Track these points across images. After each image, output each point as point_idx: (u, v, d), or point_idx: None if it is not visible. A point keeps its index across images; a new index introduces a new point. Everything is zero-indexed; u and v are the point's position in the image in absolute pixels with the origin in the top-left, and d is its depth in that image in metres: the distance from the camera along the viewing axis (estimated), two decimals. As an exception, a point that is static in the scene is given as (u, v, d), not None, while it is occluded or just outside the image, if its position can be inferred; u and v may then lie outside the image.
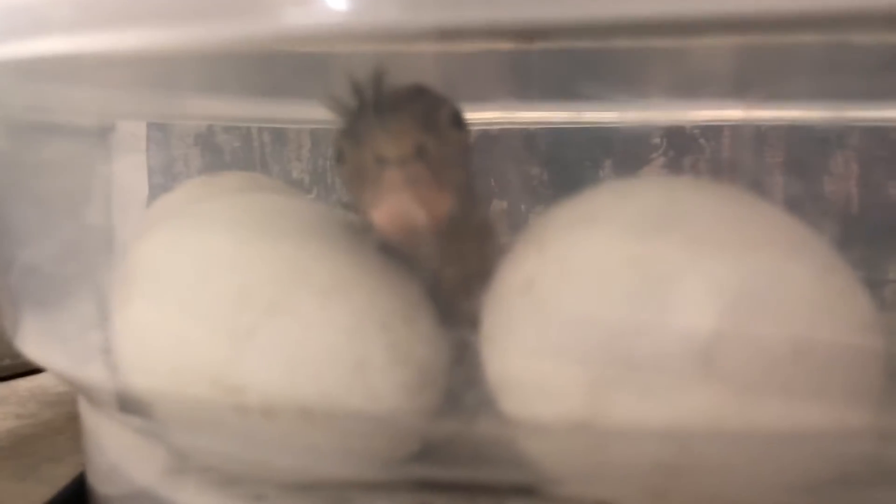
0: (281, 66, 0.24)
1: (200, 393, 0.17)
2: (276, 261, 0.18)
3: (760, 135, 0.36)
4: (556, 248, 0.16)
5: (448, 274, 0.18)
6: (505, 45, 0.17)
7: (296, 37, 0.15)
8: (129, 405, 0.20)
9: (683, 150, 0.38)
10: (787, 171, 0.36)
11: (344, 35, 0.15)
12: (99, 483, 0.22)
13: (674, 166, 0.38)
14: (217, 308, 0.18)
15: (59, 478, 0.26)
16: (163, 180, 0.39)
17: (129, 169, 0.34)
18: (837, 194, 0.35)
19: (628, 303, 0.15)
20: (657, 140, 0.38)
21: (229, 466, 0.19)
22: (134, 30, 0.14)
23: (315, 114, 0.36)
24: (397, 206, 0.16)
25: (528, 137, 0.37)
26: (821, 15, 0.12)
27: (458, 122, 0.18)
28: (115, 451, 0.21)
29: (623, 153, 0.38)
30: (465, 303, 0.17)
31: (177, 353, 0.18)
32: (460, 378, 0.17)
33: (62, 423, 0.31)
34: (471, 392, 0.17)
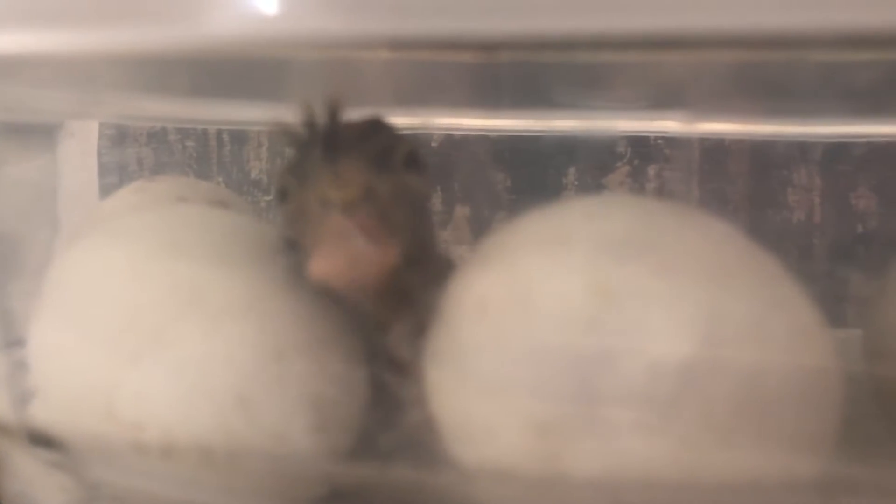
0: (226, 69, 0.23)
1: (96, 426, 0.16)
2: (169, 282, 0.17)
3: (723, 147, 0.35)
4: (515, 269, 0.15)
5: (387, 317, 0.17)
6: (465, 57, 0.16)
7: (222, 44, 0.15)
8: (37, 438, 0.18)
9: (648, 160, 0.37)
10: (749, 184, 0.36)
11: (274, 44, 0.14)
12: (9, 508, 0.21)
13: (638, 175, 0.37)
14: (108, 332, 0.17)
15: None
16: (117, 180, 0.38)
17: (77, 170, 0.33)
18: (799, 207, 0.35)
19: (591, 333, 0.14)
20: (621, 149, 0.38)
21: (139, 501, 0.18)
22: (63, 31, 0.13)
23: (265, 115, 0.35)
24: (335, 256, 0.15)
25: (491, 143, 0.36)
26: (775, 36, 0.12)
27: (416, 164, 0.17)
28: (24, 477, 0.20)
29: (587, 161, 0.37)
30: (399, 339, 0.16)
31: (71, 380, 0.17)
32: (381, 418, 0.16)
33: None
34: (391, 434, 0.16)
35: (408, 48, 0.14)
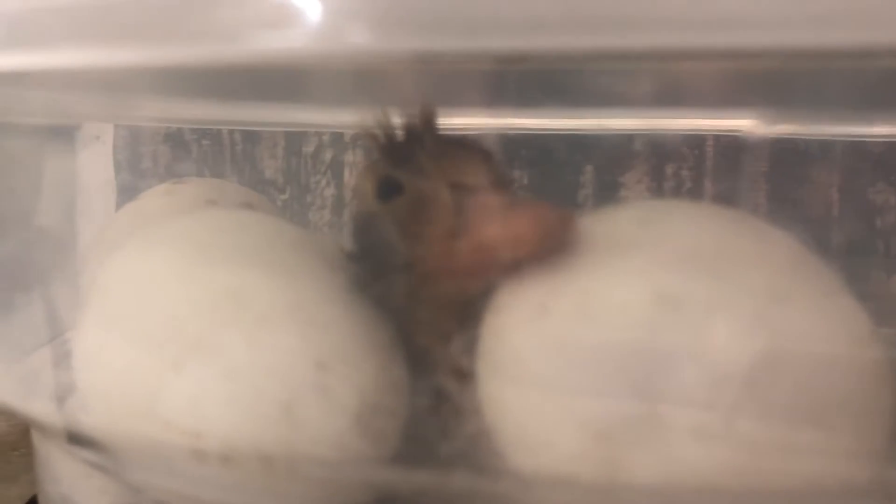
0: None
1: (139, 429, 0.16)
2: (211, 289, 0.17)
3: (742, 145, 0.35)
4: (575, 275, 0.15)
5: (448, 324, 0.17)
6: (485, 66, 0.16)
7: (268, 61, 0.15)
8: (79, 439, 0.18)
9: (665, 158, 0.37)
10: (768, 182, 0.35)
11: (315, 59, 0.14)
12: (50, 511, 0.21)
13: (655, 173, 0.37)
14: (151, 338, 0.16)
15: (13, 499, 0.25)
16: (131, 179, 0.38)
17: (94, 170, 0.33)
18: (819, 205, 0.35)
19: (652, 340, 0.14)
20: (639, 147, 0.38)
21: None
22: (110, 48, 0.13)
23: (289, 117, 0.35)
24: (529, 215, 0.15)
25: (509, 142, 0.36)
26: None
27: (503, 167, 0.17)
28: (67, 480, 0.20)
29: (605, 159, 0.38)
30: (459, 347, 0.16)
31: (123, 387, 0.17)
32: (434, 426, 0.16)
33: (17, 438, 0.30)
34: (446, 442, 0.16)
35: (434, 62, 0.15)
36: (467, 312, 0.16)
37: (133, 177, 0.38)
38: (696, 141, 0.36)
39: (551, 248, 0.15)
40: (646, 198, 0.36)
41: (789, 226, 0.16)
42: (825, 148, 0.33)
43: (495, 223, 0.15)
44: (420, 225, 0.16)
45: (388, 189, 0.17)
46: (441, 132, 0.17)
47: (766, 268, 0.14)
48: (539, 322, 0.14)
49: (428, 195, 0.16)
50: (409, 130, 0.17)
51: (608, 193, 0.37)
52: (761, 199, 0.35)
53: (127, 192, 0.33)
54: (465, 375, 0.15)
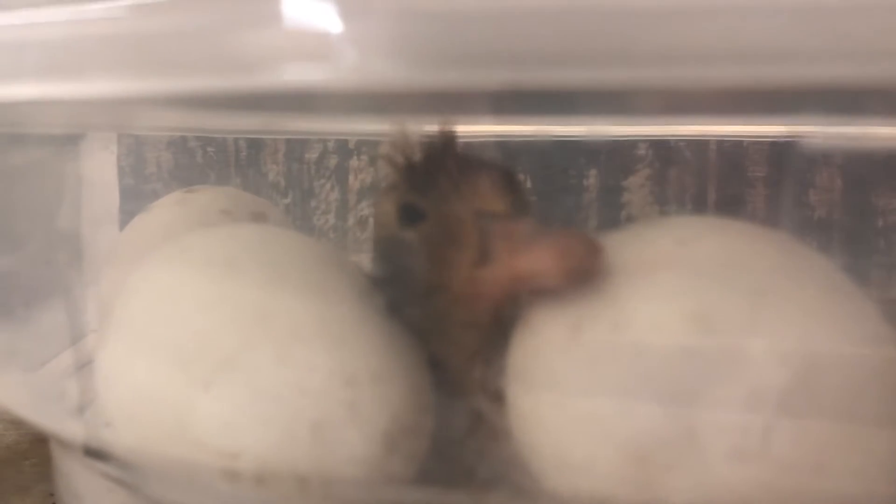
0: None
1: (173, 448, 0.16)
2: (238, 307, 0.17)
3: (744, 149, 0.36)
4: (609, 295, 0.15)
5: (478, 344, 0.17)
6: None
7: (299, 91, 0.15)
8: (99, 455, 0.18)
9: (669, 162, 0.37)
10: (769, 186, 0.36)
11: (346, 90, 0.15)
12: (71, 526, 0.21)
13: (659, 178, 0.37)
14: (177, 357, 0.16)
15: (28, 511, 0.25)
16: (134, 183, 0.38)
17: (100, 177, 0.33)
18: (822, 209, 0.35)
19: (688, 360, 0.14)
20: (642, 151, 0.38)
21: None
22: (142, 80, 0.14)
23: (293, 126, 0.35)
24: (558, 246, 0.15)
25: (512, 149, 0.36)
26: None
27: (521, 183, 0.17)
28: (89, 495, 0.20)
29: (608, 164, 0.38)
30: (486, 365, 0.16)
31: (149, 406, 0.17)
32: (470, 447, 0.16)
33: (28, 447, 0.30)
34: (482, 464, 0.16)
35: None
36: (500, 332, 0.16)
37: (137, 183, 0.38)
38: (697, 145, 0.36)
39: (578, 278, 0.15)
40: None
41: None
42: (834, 152, 0.34)
43: (521, 254, 0.15)
44: (445, 252, 0.16)
45: (410, 215, 0.17)
46: (461, 154, 0.17)
47: (800, 285, 0.14)
48: (574, 342, 0.14)
49: (452, 223, 0.16)
50: (430, 153, 0.17)
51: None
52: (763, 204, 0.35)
53: (132, 200, 0.33)
54: (499, 396, 0.15)
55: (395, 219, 0.17)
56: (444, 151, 0.17)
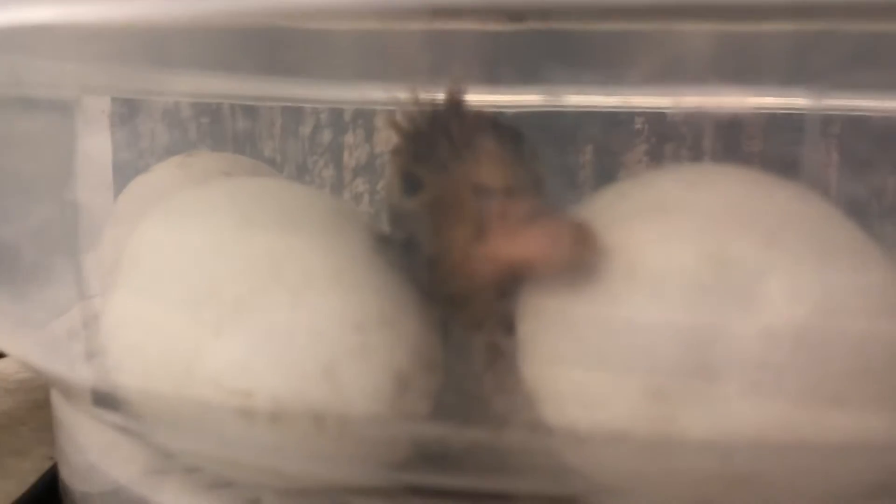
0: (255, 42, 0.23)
1: (185, 389, 0.16)
2: (248, 254, 0.17)
3: (741, 122, 0.36)
4: (620, 238, 0.15)
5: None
6: (495, 26, 0.16)
7: (294, 13, 0.15)
8: (108, 401, 0.18)
9: (666, 137, 0.37)
10: (764, 161, 0.36)
11: (341, 13, 0.15)
12: (75, 481, 0.21)
13: (656, 153, 0.37)
14: (190, 304, 0.16)
15: (26, 473, 0.25)
16: (129, 157, 0.38)
17: (96, 145, 0.33)
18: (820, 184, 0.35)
19: (705, 299, 0.14)
20: (639, 126, 0.38)
21: (220, 469, 0.18)
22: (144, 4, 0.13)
23: (292, 92, 0.35)
24: (542, 234, 0.14)
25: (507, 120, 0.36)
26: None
27: (535, 152, 0.16)
28: (94, 448, 0.20)
29: (605, 138, 0.38)
30: (495, 305, 0.16)
31: (160, 349, 0.16)
32: (487, 383, 0.16)
33: (25, 413, 0.30)
34: (498, 399, 0.16)
35: (442, 17, 0.15)
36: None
37: (130, 155, 0.37)
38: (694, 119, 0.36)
39: (567, 267, 0.15)
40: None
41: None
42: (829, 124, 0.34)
43: (512, 238, 0.15)
44: (442, 225, 0.16)
45: (411, 184, 0.16)
46: (467, 122, 0.16)
47: (812, 228, 0.15)
48: (590, 281, 0.14)
49: (449, 197, 0.15)
50: (434, 120, 0.16)
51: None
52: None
53: (124, 168, 0.33)
54: (515, 331, 0.15)
55: (397, 187, 0.17)
56: (448, 119, 0.16)
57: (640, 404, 0.14)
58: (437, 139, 0.16)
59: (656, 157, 0.37)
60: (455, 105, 0.16)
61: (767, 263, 0.14)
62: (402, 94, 0.17)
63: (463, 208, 0.15)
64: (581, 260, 0.14)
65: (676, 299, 0.14)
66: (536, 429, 0.15)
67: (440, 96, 0.17)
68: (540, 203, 0.15)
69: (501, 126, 0.16)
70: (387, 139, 0.35)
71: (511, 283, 0.16)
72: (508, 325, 0.16)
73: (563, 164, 0.37)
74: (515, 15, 0.15)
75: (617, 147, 0.37)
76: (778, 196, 0.15)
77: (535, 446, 0.15)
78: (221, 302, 0.16)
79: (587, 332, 0.14)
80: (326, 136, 0.40)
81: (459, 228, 0.15)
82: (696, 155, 0.36)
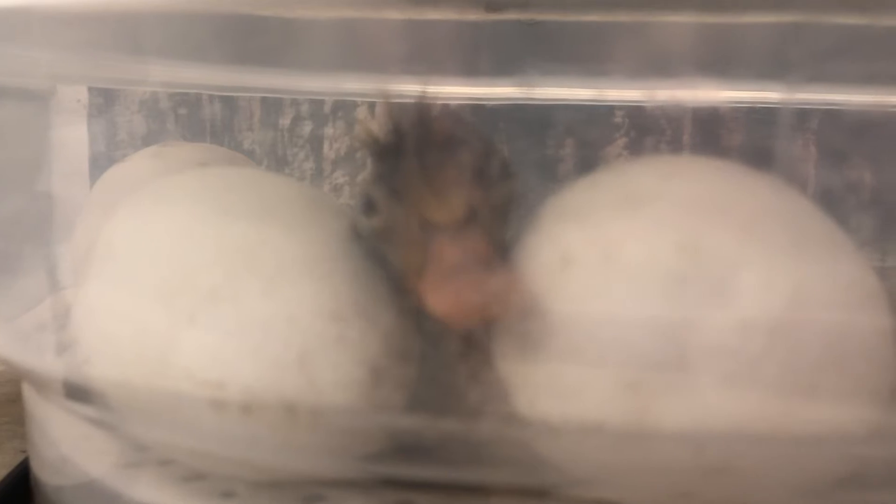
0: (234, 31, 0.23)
1: (158, 381, 0.16)
2: (222, 243, 0.17)
3: (720, 116, 0.36)
4: (598, 226, 0.15)
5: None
6: (473, 15, 0.16)
7: (272, 2, 0.15)
8: (80, 394, 0.18)
9: (646, 131, 0.37)
10: (743, 154, 0.36)
11: (319, 2, 0.15)
12: (47, 474, 0.21)
13: (636, 146, 0.37)
14: (163, 292, 0.16)
15: (-1, 466, 0.24)
16: (105, 148, 0.37)
17: (71, 135, 0.33)
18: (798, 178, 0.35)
19: (680, 290, 0.14)
20: (619, 119, 0.38)
21: (194, 461, 0.18)
22: None
23: (269, 82, 0.35)
24: (455, 292, 0.14)
25: (487, 113, 0.36)
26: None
27: (508, 171, 0.16)
28: (66, 441, 0.20)
29: (585, 132, 0.38)
30: None
31: (132, 340, 0.16)
32: (461, 374, 0.16)
33: (-3, 406, 0.29)
34: (472, 390, 0.16)
35: (420, 5, 0.15)
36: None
37: (107, 146, 0.37)
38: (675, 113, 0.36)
39: (490, 317, 0.14)
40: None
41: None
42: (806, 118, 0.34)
43: (441, 285, 0.14)
44: (392, 250, 0.15)
45: (367, 205, 0.16)
46: (435, 139, 0.15)
47: (787, 220, 0.15)
48: (563, 273, 0.14)
49: (399, 227, 0.15)
50: (397, 138, 0.15)
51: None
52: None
53: (98, 159, 0.33)
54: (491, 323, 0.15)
55: (358, 205, 0.17)
56: (410, 143, 0.15)
57: (614, 395, 0.14)
58: (395, 163, 0.15)
59: (636, 151, 0.37)
60: (421, 127, 0.15)
61: (742, 255, 0.14)
62: (379, 87, 0.17)
63: (410, 240, 0.15)
64: (506, 310, 0.14)
65: (651, 290, 0.14)
66: (510, 420, 0.15)
67: (410, 111, 0.16)
68: (486, 245, 0.14)
69: (472, 143, 0.15)
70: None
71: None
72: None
73: (543, 156, 0.36)
74: (494, 5, 0.15)
75: (596, 140, 0.37)
76: (752, 188, 0.15)
77: (509, 438, 0.15)
78: (195, 291, 0.16)
79: (561, 322, 0.14)
80: (306, 127, 0.40)
81: (406, 258, 0.15)
82: (676, 148, 0.36)
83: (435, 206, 0.14)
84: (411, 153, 0.15)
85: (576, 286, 0.14)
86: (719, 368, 0.13)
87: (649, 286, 0.14)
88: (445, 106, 0.16)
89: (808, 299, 0.14)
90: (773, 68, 0.27)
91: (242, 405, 0.15)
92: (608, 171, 0.16)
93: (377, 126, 0.16)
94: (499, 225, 0.15)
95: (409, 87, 0.22)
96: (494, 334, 0.15)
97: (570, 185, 0.16)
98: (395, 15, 0.17)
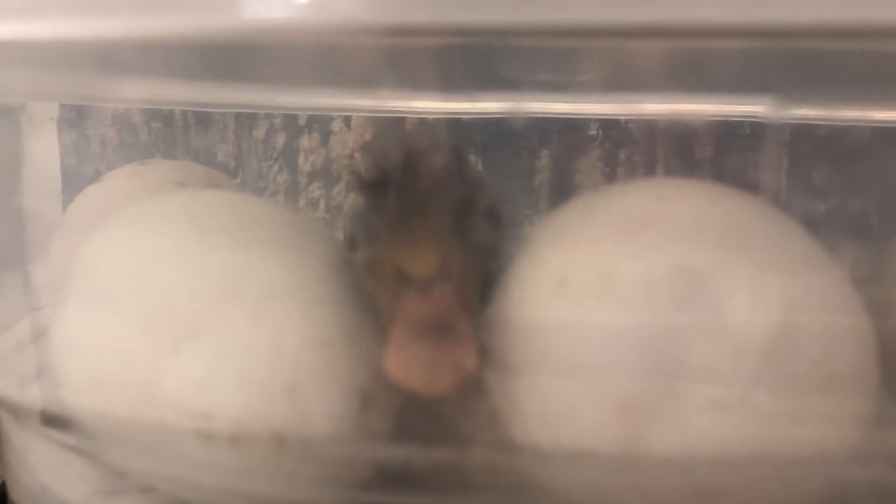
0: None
1: (142, 412, 0.16)
2: (205, 270, 0.16)
3: (690, 129, 0.36)
4: (594, 247, 0.15)
5: None
6: (454, 40, 0.16)
7: (257, 30, 0.15)
8: (57, 422, 0.18)
9: (619, 143, 0.38)
10: (715, 166, 0.36)
11: (305, 30, 0.15)
12: (25, 501, 0.20)
13: (610, 158, 0.37)
14: (145, 321, 0.16)
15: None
16: (77, 164, 0.37)
17: (43, 151, 0.32)
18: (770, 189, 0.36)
19: (674, 312, 0.14)
20: (594, 132, 0.38)
21: (176, 488, 0.18)
22: (97, 19, 0.13)
23: (244, 98, 0.34)
24: (413, 359, 0.14)
25: (463, 127, 0.36)
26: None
27: (496, 218, 0.16)
28: (45, 468, 0.20)
29: (560, 144, 0.38)
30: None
31: (114, 370, 0.16)
32: (451, 402, 0.16)
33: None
34: (463, 418, 0.16)
35: (414, 35, 0.15)
36: (484, 288, 0.15)
37: (79, 161, 0.37)
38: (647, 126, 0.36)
39: (444, 389, 0.14)
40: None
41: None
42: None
43: (400, 348, 0.14)
44: (371, 288, 0.15)
45: (350, 241, 0.16)
46: (417, 178, 0.15)
47: (778, 243, 0.15)
48: (558, 296, 0.15)
49: (374, 273, 0.15)
50: (384, 183, 0.15)
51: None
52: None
53: (73, 176, 0.32)
54: (482, 349, 0.15)
55: (343, 240, 0.16)
56: (394, 189, 0.15)
57: (605, 421, 0.14)
58: (378, 202, 0.15)
59: (610, 164, 0.37)
60: (406, 168, 0.15)
61: (735, 280, 0.14)
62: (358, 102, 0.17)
63: (385, 285, 0.15)
64: (457, 388, 0.14)
65: (646, 309, 0.14)
66: (501, 448, 0.15)
67: (397, 150, 0.16)
68: (455, 305, 0.14)
69: (459, 187, 0.15)
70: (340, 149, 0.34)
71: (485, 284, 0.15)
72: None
73: (519, 169, 0.37)
74: (469, 34, 0.15)
75: (572, 153, 0.37)
76: (744, 211, 0.15)
77: (499, 465, 0.15)
78: (179, 320, 0.16)
79: (553, 341, 0.14)
80: (280, 139, 0.39)
81: (380, 302, 0.15)
82: (650, 161, 0.37)
83: (410, 258, 0.14)
84: (394, 196, 0.15)
85: (571, 308, 0.14)
86: (710, 392, 0.14)
87: (643, 308, 0.14)
88: (437, 143, 0.16)
89: (799, 324, 0.14)
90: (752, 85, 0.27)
91: (231, 436, 0.15)
92: (604, 193, 0.16)
93: (362, 162, 0.16)
94: (475, 279, 0.15)
95: (387, 103, 0.22)
96: (485, 359, 0.15)
97: (566, 206, 0.16)
98: (372, 43, 0.17)
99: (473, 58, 0.21)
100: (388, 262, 0.14)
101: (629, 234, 0.15)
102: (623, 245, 0.15)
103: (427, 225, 0.14)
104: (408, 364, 0.14)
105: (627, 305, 0.14)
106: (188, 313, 0.16)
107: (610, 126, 0.37)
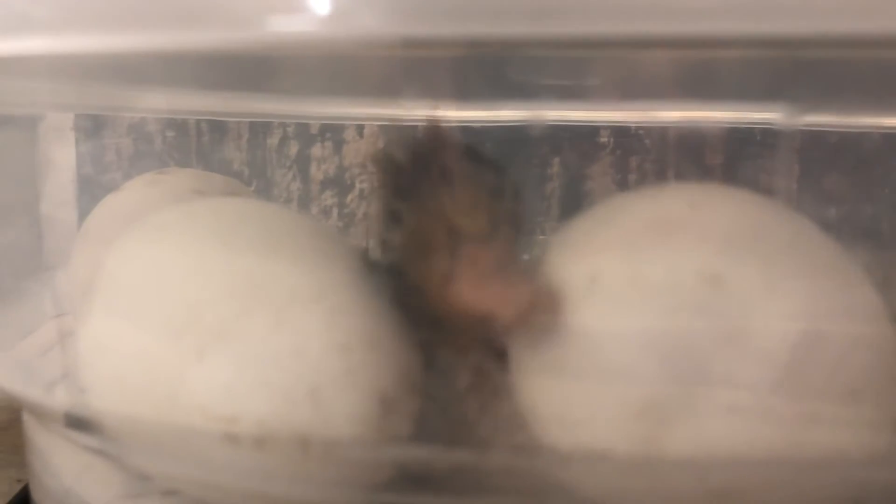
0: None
1: (167, 415, 0.16)
2: (228, 277, 0.17)
3: (702, 136, 0.36)
4: (624, 250, 0.15)
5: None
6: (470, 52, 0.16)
7: (278, 43, 0.15)
8: (82, 424, 0.18)
9: (630, 150, 0.38)
10: (728, 173, 0.36)
11: (325, 43, 0.15)
12: (48, 505, 0.21)
13: (621, 165, 0.38)
14: (169, 327, 0.16)
15: (-4, 496, 0.24)
16: (94, 173, 0.37)
17: (62, 161, 0.33)
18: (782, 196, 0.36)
19: (700, 317, 0.14)
20: (605, 139, 0.38)
21: (200, 491, 0.18)
22: (119, 33, 0.13)
23: (261, 108, 0.35)
24: (495, 288, 0.15)
25: (474, 134, 0.36)
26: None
27: (517, 192, 0.16)
28: (68, 471, 0.20)
29: (571, 152, 0.38)
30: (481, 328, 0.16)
31: (140, 375, 0.16)
32: (472, 405, 0.16)
33: (-6, 434, 0.29)
34: (483, 420, 0.16)
35: (434, 48, 0.15)
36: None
37: (96, 170, 0.37)
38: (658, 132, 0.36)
39: (525, 326, 0.15)
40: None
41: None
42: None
43: (476, 288, 0.15)
44: (419, 261, 0.16)
45: (391, 219, 0.17)
46: (451, 154, 0.16)
47: (805, 251, 0.15)
48: (586, 297, 0.15)
49: (426, 236, 0.16)
50: (416, 154, 0.16)
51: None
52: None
53: (89, 184, 0.33)
54: (502, 352, 0.15)
55: (380, 219, 0.17)
56: (429, 157, 0.16)
57: (624, 424, 0.14)
58: (417, 177, 0.16)
59: (622, 170, 0.37)
60: (437, 143, 0.16)
61: (762, 288, 0.14)
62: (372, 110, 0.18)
63: (437, 249, 0.15)
64: (538, 321, 0.15)
65: (673, 313, 0.14)
66: (520, 450, 0.15)
67: (422, 131, 0.17)
68: (512, 251, 0.15)
69: (484, 163, 0.16)
70: (361, 161, 0.35)
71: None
72: (493, 348, 0.16)
73: (530, 176, 0.37)
74: (484, 46, 0.15)
75: (583, 160, 0.38)
76: (775, 219, 0.16)
77: (519, 467, 0.16)
78: (203, 327, 0.16)
79: (576, 349, 0.15)
80: (294, 148, 0.40)
81: (434, 267, 0.15)
82: (661, 168, 0.37)
83: (463, 216, 0.15)
84: (434, 169, 0.16)
85: (601, 306, 0.15)
86: (730, 397, 0.14)
87: (670, 312, 0.14)
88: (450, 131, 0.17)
89: (822, 331, 0.14)
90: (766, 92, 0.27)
91: (256, 439, 0.15)
92: (639, 195, 0.17)
93: (394, 148, 0.17)
94: (516, 240, 0.16)
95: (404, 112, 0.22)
96: (505, 362, 0.16)
97: (595, 207, 0.17)
98: (390, 55, 0.17)
99: (488, 68, 0.22)
100: (441, 226, 0.15)
101: (660, 237, 0.15)
102: (653, 249, 0.15)
103: (471, 188, 0.15)
104: (483, 291, 0.15)
105: (654, 308, 0.14)
106: (212, 319, 0.16)
107: (622, 133, 0.37)
